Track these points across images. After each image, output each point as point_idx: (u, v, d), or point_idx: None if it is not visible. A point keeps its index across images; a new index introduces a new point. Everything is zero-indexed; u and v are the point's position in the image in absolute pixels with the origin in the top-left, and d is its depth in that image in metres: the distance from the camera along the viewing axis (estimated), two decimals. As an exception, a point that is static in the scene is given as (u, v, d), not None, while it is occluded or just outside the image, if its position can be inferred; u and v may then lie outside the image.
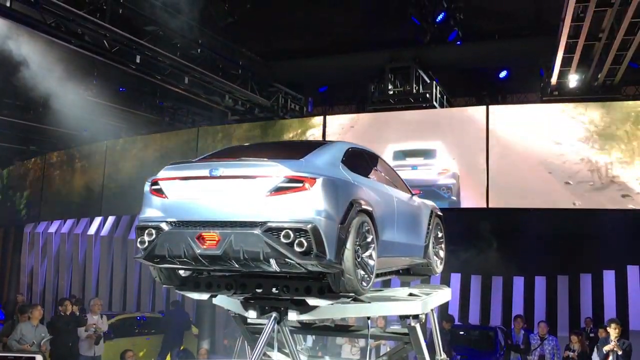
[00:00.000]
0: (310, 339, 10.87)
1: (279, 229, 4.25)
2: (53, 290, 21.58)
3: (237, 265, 4.41)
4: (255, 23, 15.04)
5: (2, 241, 25.06)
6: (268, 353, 5.78)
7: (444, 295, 6.40)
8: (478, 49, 16.04)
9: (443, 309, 15.29)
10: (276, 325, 4.96)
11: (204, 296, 5.15)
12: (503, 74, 17.19)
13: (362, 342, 11.15)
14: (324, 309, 4.97)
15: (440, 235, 6.94)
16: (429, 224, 6.54)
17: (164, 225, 4.60)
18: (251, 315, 5.07)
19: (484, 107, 14.31)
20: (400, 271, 6.66)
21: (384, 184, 5.70)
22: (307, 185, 4.33)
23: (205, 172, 4.59)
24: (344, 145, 5.44)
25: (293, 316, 4.94)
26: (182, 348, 14.43)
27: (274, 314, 4.93)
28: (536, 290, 16.51)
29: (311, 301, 4.69)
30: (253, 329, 5.83)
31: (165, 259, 4.62)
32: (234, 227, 4.36)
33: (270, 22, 15.26)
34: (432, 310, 6.33)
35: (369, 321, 5.75)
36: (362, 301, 5.22)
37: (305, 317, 5.04)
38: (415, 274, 6.82)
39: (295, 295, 4.69)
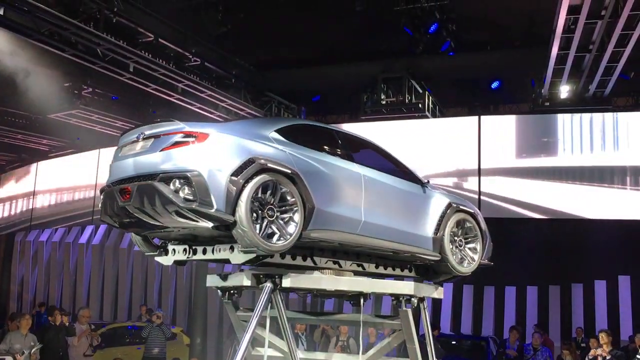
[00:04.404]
0: (301, 346, 10.84)
1: (170, 178, 4.70)
2: (44, 299, 21.43)
3: (146, 215, 4.84)
4: (249, 32, 15.08)
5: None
6: (258, 349, 5.89)
7: (437, 291, 6.55)
8: (470, 59, 16.12)
9: (435, 319, 15.28)
10: (271, 297, 5.18)
11: (169, 260, 5.61)
12: (495, 84, 17.27)
13: (354, 351, 11.12)
14: (316, 278, 5.43)
15: (473, 233, 6.75)
16: (441, 216, 6.37)
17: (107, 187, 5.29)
18: (245, 282, 5.38)
19: (475, 118, 14.40)
20: (422, 271, 6.68)
21: (351, 162, 5.73)
22: (198, 139, 4.83)
23: (134, 137, 5.19)
24: (294, 120, 5.76)
25: (287, 283, 5.23)
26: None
27: (268, 284, 5.17)
28: (528, 300, 16.52)
29: (234, 259, 5.03)
30: (245, 317, 5.92)
31: (108, 217, 5.25)
32: (140, 180, 4.88)
33: (263, 32, 15.30)
34: (425, 310, 6.44)
35: (362, 304, 5.96)
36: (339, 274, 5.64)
37: (298, 285, 5.34)
38: (437, 272, 6.65)
39: (223, 255, 5.12)
